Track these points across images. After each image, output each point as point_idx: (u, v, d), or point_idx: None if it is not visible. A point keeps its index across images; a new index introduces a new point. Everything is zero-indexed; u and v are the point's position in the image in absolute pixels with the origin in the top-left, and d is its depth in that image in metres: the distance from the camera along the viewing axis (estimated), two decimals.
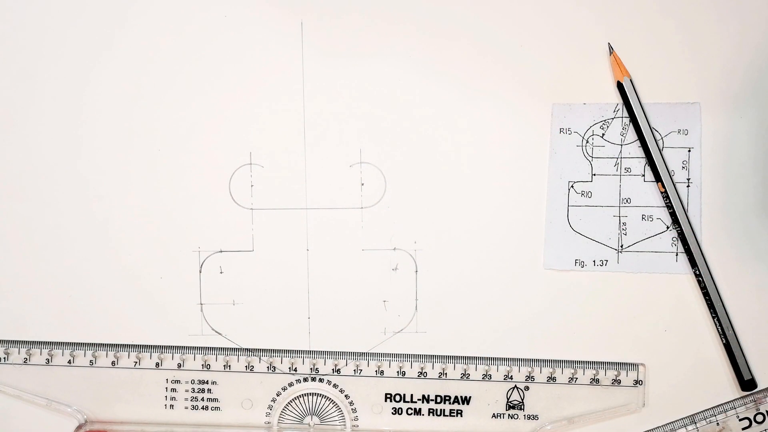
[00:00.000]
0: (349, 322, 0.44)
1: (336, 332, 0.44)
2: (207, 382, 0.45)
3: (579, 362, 0.44)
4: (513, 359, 0.44)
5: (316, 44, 0.44)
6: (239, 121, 0.44)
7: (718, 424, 0.44)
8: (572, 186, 0.44)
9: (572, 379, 0.44)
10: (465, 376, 0.44)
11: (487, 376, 0.44)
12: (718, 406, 0.44)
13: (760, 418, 0.43)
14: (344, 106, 0.44)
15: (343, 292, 0.44)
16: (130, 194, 0.44)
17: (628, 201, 0.44)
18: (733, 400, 0.44)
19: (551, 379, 0.44)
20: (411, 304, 0.44)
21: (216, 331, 0.44)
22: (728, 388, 0.44)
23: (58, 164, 0.44)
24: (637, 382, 0.44)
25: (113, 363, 0.45)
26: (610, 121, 0.44)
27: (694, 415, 0.44)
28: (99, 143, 0.44)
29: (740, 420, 0.44)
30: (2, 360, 0.45)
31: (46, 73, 0.44)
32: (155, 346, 0.45)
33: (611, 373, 0.44)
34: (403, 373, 0.44)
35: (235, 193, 0.44)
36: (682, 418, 0.44)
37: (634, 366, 0.44)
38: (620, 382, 0.44)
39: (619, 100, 0.43)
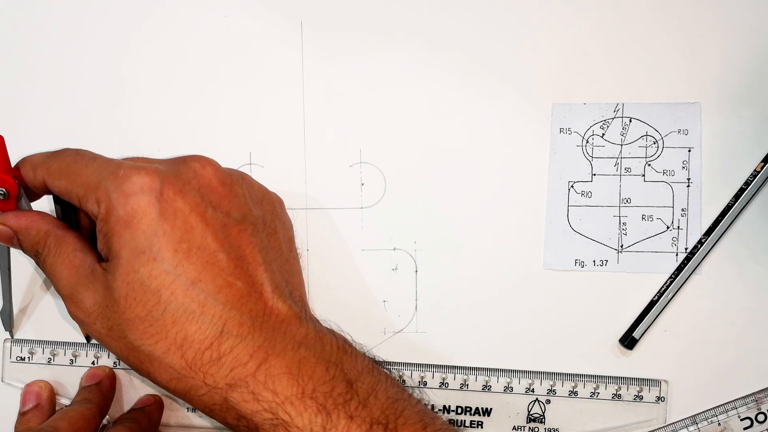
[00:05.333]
0: (349, 322, 0.44)
1: None
2: None
3: (601, 377, 0.44)
4: (535, 372, 0.44)
5: (316, 44, 0.44)
6: (239, 121, 0.44)
7: (719, 424, 0.44)
8: (572, 186, 0.44)
9: (594, 393, 0.44)
10: (486, 387, 0.44)
11: (508, 389, 0.44)
12: (719, 406, 0.44)
13: (761, 417, 0.43)
14: (344, 106, 0.44)
15: (343, 292, 0.44)
16: None
17: (628, 201, 0.44)
18: (734, 400, 0.44)
19: (573, 393, 0.44)
20: (411, 304, 0.44)
21: None
22: (730, 387, 0.44)
23: None
24: (660, 399, 0.44)
25: None
26: (610, 121, 0.44)
27: (695, 415, 0.44)
28: (98, 144, 0.44)
29: (741, 420, 0.43)
30: (26, 359, 0.45)
31: (41, 73, 0.44)
32: None
33: (633, 389, 0.44)
34: (425, 383, 0.44)
35: None
36: (683, 419, 0.44)
37: (656, 382, 0.44)
38: (642, 398, 0.43)
39: (619, 99, 0.43)
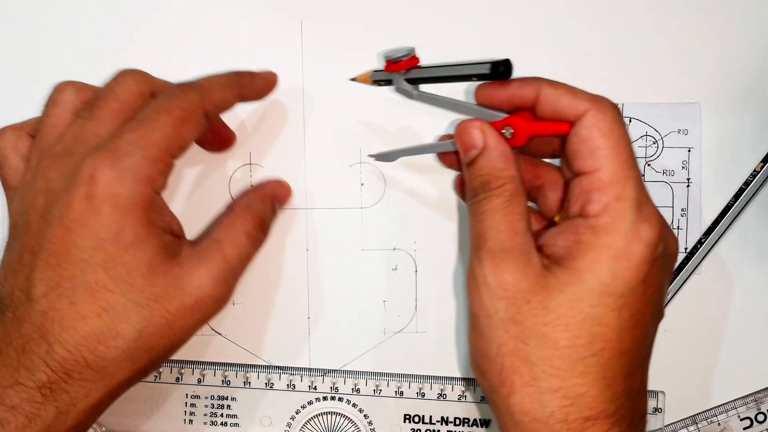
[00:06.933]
0: (349, 322, 0.44)
1: (336, 332, 0.44)
2: (226, 398, 0.44)
3: None
4: None
5: (316, 44, 0.44)
6: (239, 121, 0.44)
7: (719, 424, 0.44)
8: None
9: None
10: (484, 399, 0.44)
11: None
12: (719, 406, 0.44)
13: (761, 417, 0.43)
14: (344, 106, 0.44)
15: (343, 292, 0.44)
16: None
17: None
18: (734, 400, 0.44)
19: None
20: (411, 304, 0.44)
21: (216, 331, 0.44)
22: (730, 387, 0.44)
23: None
24: (657, 410, 0.43)
25: None
26: None
27: (695, 415, 0.44)
28: None
29: (741, 420, 0.43)
30: None
31: (41, 72, 0.44)
32: (176, 361, 0.44)
33: None
34: (423, 395, 0.44)
35: (235, 193, 0.44)
36: (683, 419, 0.44)
37: (654, 393, 0.43)
38: None
39: (619, 99, 0.43)
